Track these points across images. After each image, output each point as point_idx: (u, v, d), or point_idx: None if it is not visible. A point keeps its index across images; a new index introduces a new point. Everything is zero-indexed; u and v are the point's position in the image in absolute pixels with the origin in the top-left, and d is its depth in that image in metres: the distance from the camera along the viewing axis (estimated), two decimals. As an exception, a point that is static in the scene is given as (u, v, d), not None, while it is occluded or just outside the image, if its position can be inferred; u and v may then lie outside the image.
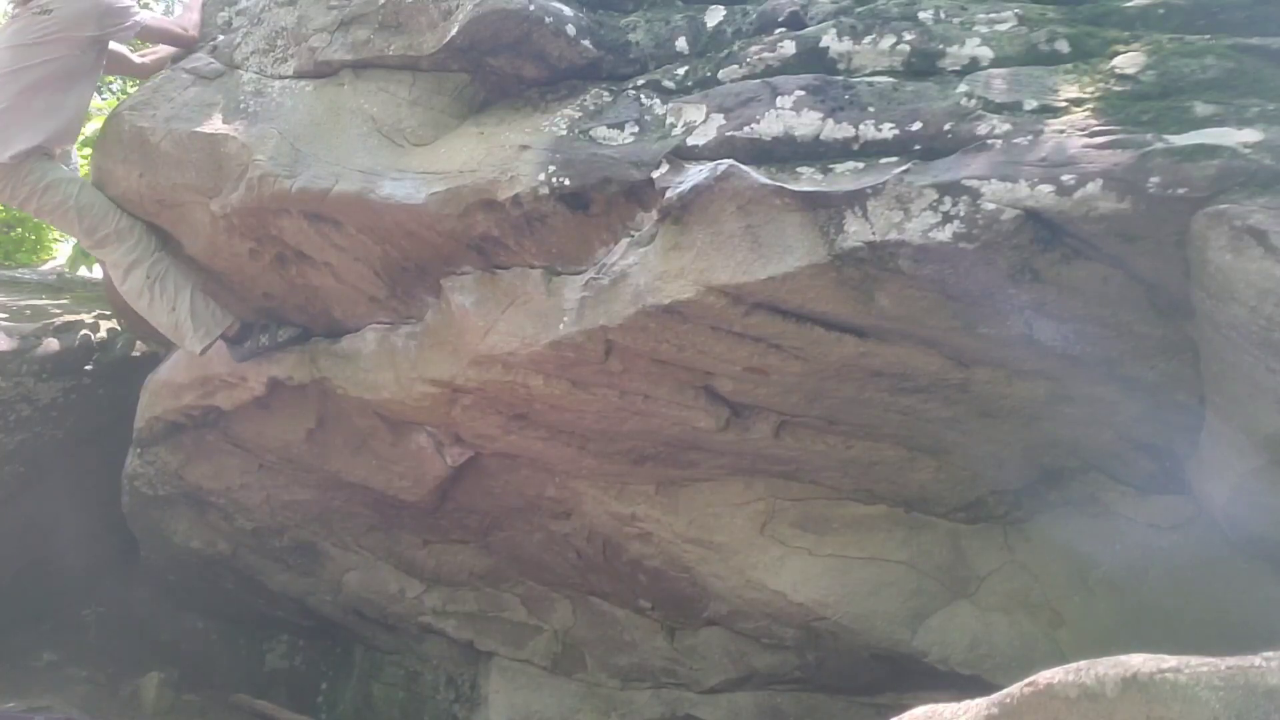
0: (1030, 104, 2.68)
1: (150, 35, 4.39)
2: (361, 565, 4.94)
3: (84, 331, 5.30)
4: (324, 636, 5.54)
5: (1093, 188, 2.43)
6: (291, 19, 3.97)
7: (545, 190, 3.15)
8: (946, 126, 2.73)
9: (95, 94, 4.28)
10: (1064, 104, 2.65)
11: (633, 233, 3.13)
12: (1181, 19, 2.79)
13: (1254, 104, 2.43)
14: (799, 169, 2.86)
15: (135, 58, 4.54)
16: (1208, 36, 2.67)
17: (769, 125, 2.93)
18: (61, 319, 5.32)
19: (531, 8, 3.35)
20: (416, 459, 4.19)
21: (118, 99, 7.53)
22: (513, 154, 3.28)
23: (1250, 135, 2.35)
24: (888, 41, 3.00)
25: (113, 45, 4.27)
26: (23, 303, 5.62)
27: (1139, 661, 1.45)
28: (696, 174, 2.92)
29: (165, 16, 4.51)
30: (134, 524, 5.20)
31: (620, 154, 3.12)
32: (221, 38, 4.19)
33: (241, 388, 4.33)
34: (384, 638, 5.23)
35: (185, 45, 4.27)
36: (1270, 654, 1.39)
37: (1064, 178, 2.47)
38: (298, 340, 4.19)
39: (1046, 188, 2.48)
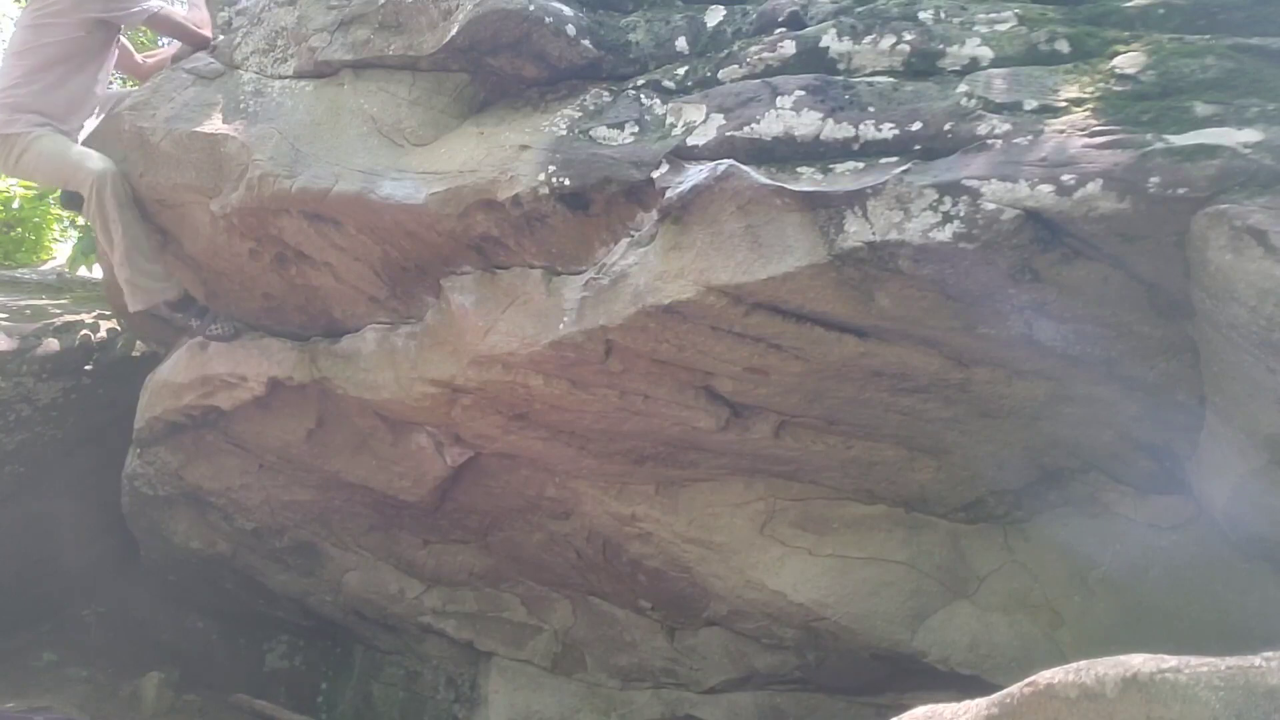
0: (1030, 104, 2.68)
1: (161, 26, 4.36)
2: (361, 565, 4.93)
3: (84, 331, 5.30)
4: (324, 636, 5.54)
5: (1093, 188, 2.43)
6: (291, 19, 3.97)
7: (545, 190, 3.15)
8: (946, 126, 2.73)
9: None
10: (1064, 104, 2.64)
11: (633, 233, 3.13)
12: (1181, 19, 2.78)
13: (1254, 104, 2.43)
14: (799, 169, 2.86)
15: (139, 57, 4.54)
16: (1208, 36, 2.67)
17: (769, 125, 2.93)
18: (61, 319, 5.32)
19: (531, 8, 3.35)
20: (416, 459, 4.19)
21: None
22: (513, 154, 3.28)
23: (1250, 135, 2.35)
24: (888, 41, 3.00)
25: (122, 40, 4.30)
26: (23, 303, 5.62)
27: (1139, 661, 1.45)
28: (696, 174, 2.92)
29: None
30: (134, 524, 5.20)
31: (620, 154, 3.12)
32: (221, 38, 4.20)
33: (241, 388, 4.33)
34: (384, 638, 5.23)
35: (198, 43, 4.26)
36: (1270, 654, 1.39)
37: (1064, 178, 2.47)
38: (225, 338, 4.27)
39: (1046, 188, 2.48)
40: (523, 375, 3.46)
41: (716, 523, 3.84)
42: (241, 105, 3.87)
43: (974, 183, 2.56)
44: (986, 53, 2.89)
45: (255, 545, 5.04)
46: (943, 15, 3.03)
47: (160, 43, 8.75)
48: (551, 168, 3.16)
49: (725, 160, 2.89)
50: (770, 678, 4.20)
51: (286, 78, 3.91)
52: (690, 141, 3.03)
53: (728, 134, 2.97)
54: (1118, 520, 3.25)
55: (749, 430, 3.45)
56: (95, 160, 3.97)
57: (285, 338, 4.25)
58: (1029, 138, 2.58)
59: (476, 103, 3.64)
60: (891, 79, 2.94)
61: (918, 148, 2.76)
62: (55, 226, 8.71)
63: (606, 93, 3.37)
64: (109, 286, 5.02)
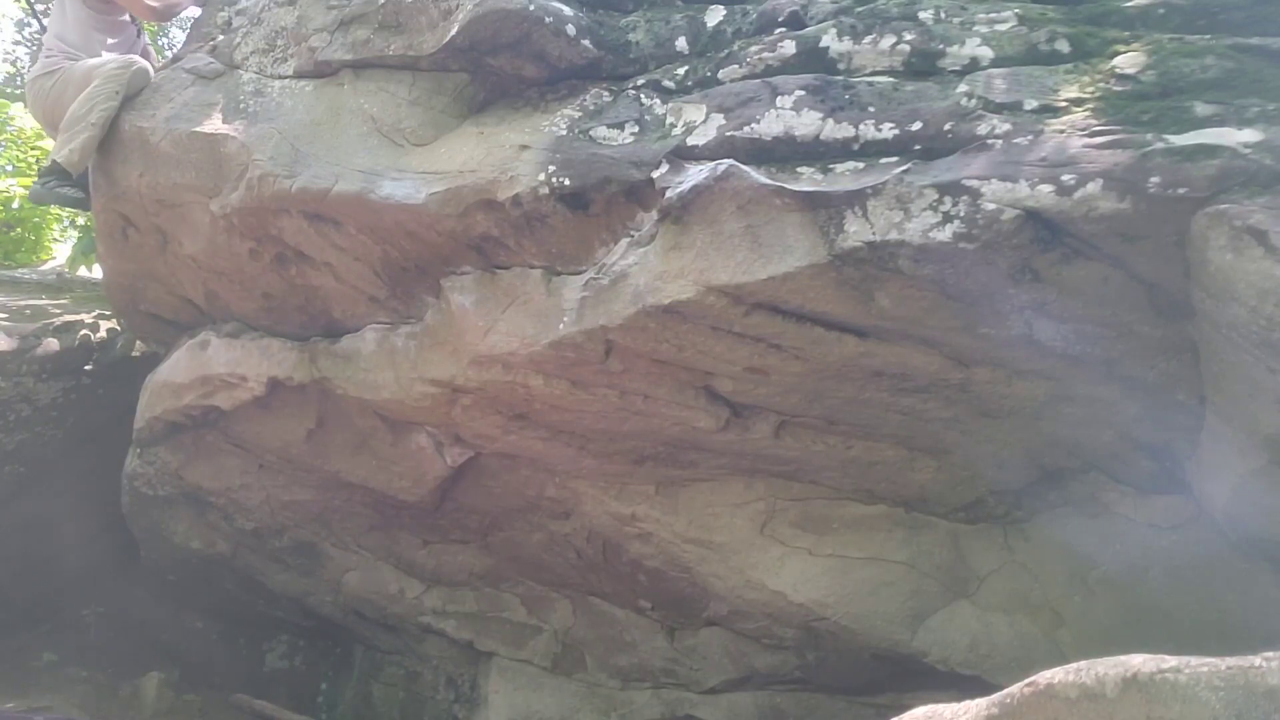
0: (1030, 104, 2.68)
1: None
2: (361, 565, 4.93)
3: (84, 331, 5.31)
4: (324, 636, 5.54)
5: (1093, 188, 2.43)
6: (291, 19, 3.98)
7: (545, 190, 3.15)
8: (947, 126, 2.73)
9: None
10: (1064, 104, 2.64)
11: (633, 233, 3.13)
12: (1181, 19, 2.79)
13: (1254, 104, 2.43)
14: (799, 169, 2.86)
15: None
16: (1208, 36, 2.67)
17: (769, 125, 2.93)
18: (61, 319, 5.32)
19: (531, 8, 3.35)
20: (416, 459, 4.19)
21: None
22: (513, 154, 3.28)
23: (1250, 135, 2.35)
24: (888, 41, 3.00)
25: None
26: (23, 303, 5.63)
27: (1139, 661, 1.45)
28: (696, 174, 2.92)
29: None
30: (134, 524, 5.20)
31: (620, 154, 3.12)
32: (221, 38, 4.20)
33: (241, 388, 4.33)
34: (384, 638, 5.23)
35: (146, 16, 4.71)
36: (1270, 654, 1.39)
37: (1064, 178, 2.47)
38: (74, 200, 4.45)
39: (1047, 188, 2.48)
40: (523, 375, 3.46)
41: (716, 523, 3.84)
42: (241, 105, 3.87)
43: (974, 183, 2.56)
44: (986, 53, 2.90)
45: (255, 545, 5.04)
46: (943, 15, 3.03)
47: (161, 44, 8.75)
48: (551, 168, 3.16)
49: (725, 160, 2.89)
50: (770, 678, 4.20)
51: (286, 78, 3.91)
52: (690, 141, 3.03)
53: (728, 134, 2.97)
54: (1118, 520, 3.25)
55: (749, 430, 3.45)
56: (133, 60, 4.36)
57: (285, 338, 4.25)
58: (1029, 138, 2.58)
59: (476, 103, 3.64)
60: (891, 79, 2.94)
61: (918, 148, 2.76)
62: (55, 226, 8.72)
63: (606, 93, 3.37)
64: (109, 286, 5.03)
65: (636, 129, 3.18)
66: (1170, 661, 1.42)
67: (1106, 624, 3.24)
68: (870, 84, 2.93)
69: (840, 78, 2.99)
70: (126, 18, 4.81)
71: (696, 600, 4.11)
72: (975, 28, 2.96)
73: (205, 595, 5.46)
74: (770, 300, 2.91)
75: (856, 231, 2.69)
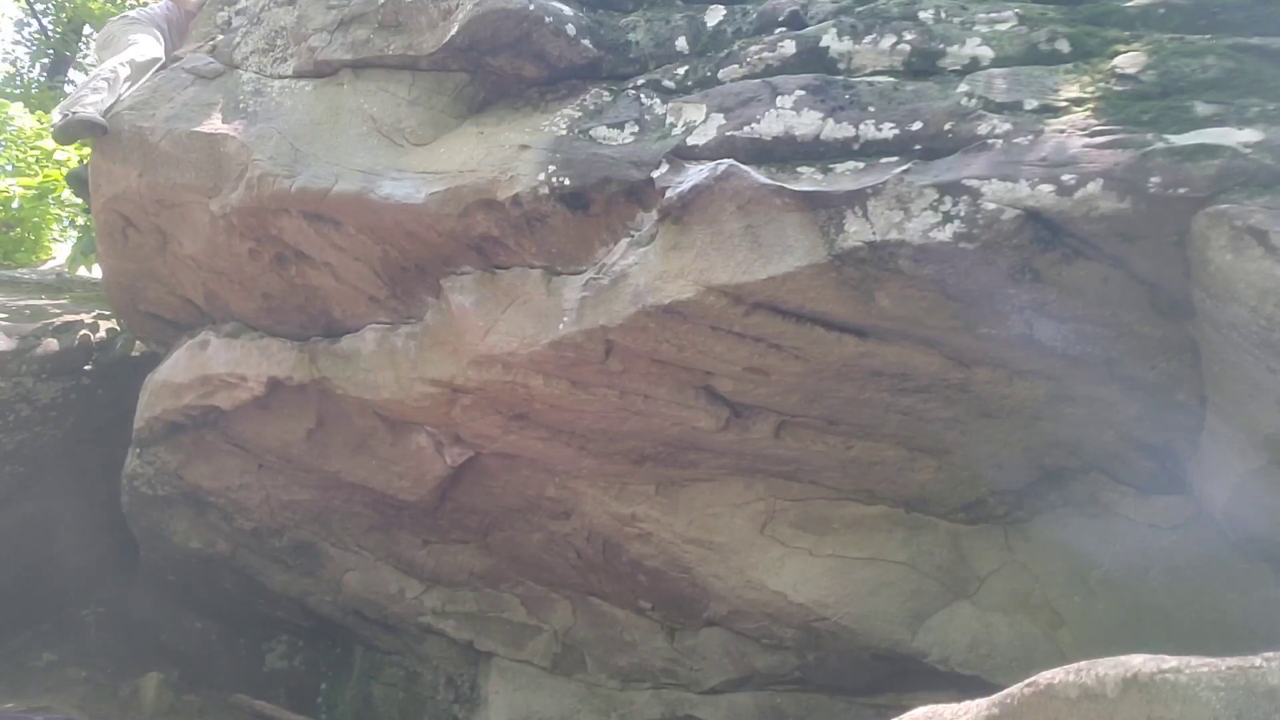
0: (1030, 104, 2.68)
1: None
2: (361, 565, 4.93)
3: (84, 331, 5.31)
4: (324, 636, 5.54)
5: (1093, 188, 2.43)
6: (291, 19, 3.98)
7: (545, 190, 3.15)
8: (947, 126, 2.73)
9: None
10: (1064, 104, 2.65)
11: (633, 233, 3.13)
12: (1181, 19, 2.79)
13: (1254, 104, 2.43)
14: (799, 169, 2.86)
15: None
16: (1208, 36, 2.67)
17: (769, 125, 2.93)
18: (61, 319, 5.33)
19: (531, 7, 3.35)
20: (416, 459, 4.19)
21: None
22: (513, 154, 3.28)
23: (1250, 135, 2.35)
24: (888, 41, 3.00)
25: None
26: (22, 303, 5.63)
27: (1139, 662, 1.45)
28: (696, 174, 2.92)
29: None
30: (134, 524, 5.20)
31: (620, 154, 3.12)
32: (221, 37, 4.20)
33: (241, 388, 4.33)
34: (384, 638, 5.23)
35: None
36: (1270, 654, 1.39)
37: (1064, 178, 2.47)
38: (96, 129, 4.19)
39: (1047, 187, 2.48)
40: (523, 375, 3.46)
41: (716, 523, 3.84)
42: (241, 105, 3.87)
43: (974, 182, 2.56)
44: (987, 52, 2.90)
45: (255, 545, 5.03)
46: (943, 15, 3.03)
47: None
48: (551, 167, 3.16)
49: (725, 160, 2.89)
50: (770, 678, 4.20)
51: (286, 77, 3.91)
52: (690, 141, 3.03)
53: (728, 134, 2.97)
54: (1118, 520, 3.25)
55: (749, 430, 3.45)
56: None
57: (285, 338, 4.25)
58: (1029, 137, 2.58)
59: (476, 102, 3.64)
60: (892, 79, 2.94)
61: (918, 147, 2.76)
62: (55, 226, 8.72)
63: (606, 92, 3.37)
64: (109, 286, 5.03)
65: (636, 129, 3.18)
66: (1170, 661, 1.42)
67: (1106, 624, 3.24)
68: (870, 84, 2.93)
69: (840, 78, 2.99)
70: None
71: (696, 600, 4.11)
72: (975, 28, 2.97)
73: (205, 595, 5.46)
74: (770, 300, 2.91)
75: (857, 231, 2.69)
